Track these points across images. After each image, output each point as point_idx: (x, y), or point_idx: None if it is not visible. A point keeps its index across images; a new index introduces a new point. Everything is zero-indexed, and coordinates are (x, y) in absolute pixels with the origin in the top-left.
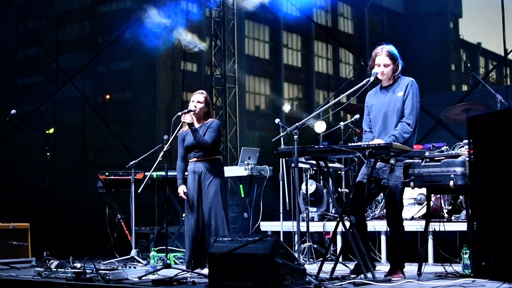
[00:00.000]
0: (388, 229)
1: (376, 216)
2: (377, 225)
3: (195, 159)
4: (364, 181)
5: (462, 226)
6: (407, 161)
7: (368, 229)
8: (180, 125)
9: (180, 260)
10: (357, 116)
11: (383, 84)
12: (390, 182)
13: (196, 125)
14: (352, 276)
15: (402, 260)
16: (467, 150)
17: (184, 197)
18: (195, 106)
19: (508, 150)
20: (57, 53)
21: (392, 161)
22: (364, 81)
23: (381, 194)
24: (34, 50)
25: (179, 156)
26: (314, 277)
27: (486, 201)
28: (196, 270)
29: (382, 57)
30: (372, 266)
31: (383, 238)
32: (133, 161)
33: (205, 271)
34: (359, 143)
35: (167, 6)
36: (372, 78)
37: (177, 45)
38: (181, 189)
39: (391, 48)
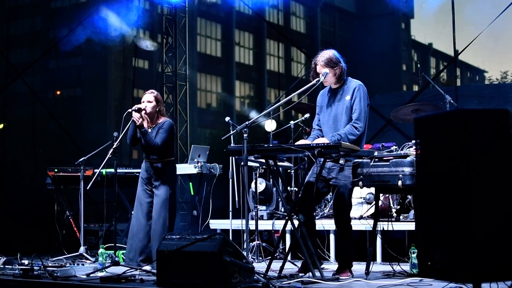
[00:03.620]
0: (336, 228)
1: (325, 215)
2: (326, 224)
3: (148, 160)
4: (313, 180)
5: (411, 226)
6: (356, 160)
7: (317, 228)
8: (130, 122)
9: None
10: (307, 115)
11: (332, 86)
12: (339, 181)
13: (147, 125)
14: (300, 274)
15: (350, 259)
16: (415, 150)
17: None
18: (146, 106)
19: (453, 151)
20: (8, 47)
21: (341, 161)
22: (314, 81)
23: (330, 193)
24: None
25: None
26: (262, 275)
27: (431, 201)
28: (145, 268)
29: (320, 68)
30: (319, 265)
31: (332, 237)
32: (83, 158)
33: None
34: (308, 142)
35: (119, 2)
36: (322, 78)
37: (128, 42)
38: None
39: (329, 55)
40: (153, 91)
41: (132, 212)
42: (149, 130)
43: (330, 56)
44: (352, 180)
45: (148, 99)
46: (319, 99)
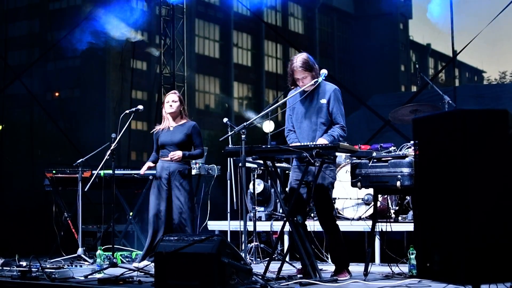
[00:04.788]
0: (323, 230)
1: None
2: None
3: (168, 158)
4: (295, 186)
5: (409, 227)
6: (354, 161)
7: (315, 229)
8: (128, 123)
9: (127, 259)
10: None
11: (305, 89)
12: (317, 183)
13: (173, 123)
14: (298, 276)
15: (346, 260)
16: (414, 151)
17: (142, 172)
18: (171, 106)
19: (452, 151)
20: (6, 49)
21: (317, 164)
22: (313, 81)
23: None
24: None
25: (154, 151)
26: (260, 276)
27: (430, 202)
28: (144, 267)
29: (298, 73)
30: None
31: None
32: (81, 159)
33: (143, 264)
34: (306, 143)
35: (117, 4)
36: (320, 79)
37: (126, 44)
38: (145, 167)
39: (305, 58)
40: (176, 91)
41: (131, 213)
42: (172, 127)
43: (306, 60)
44: (332, 180)
45: (173, 98)
46: (290, 99)
